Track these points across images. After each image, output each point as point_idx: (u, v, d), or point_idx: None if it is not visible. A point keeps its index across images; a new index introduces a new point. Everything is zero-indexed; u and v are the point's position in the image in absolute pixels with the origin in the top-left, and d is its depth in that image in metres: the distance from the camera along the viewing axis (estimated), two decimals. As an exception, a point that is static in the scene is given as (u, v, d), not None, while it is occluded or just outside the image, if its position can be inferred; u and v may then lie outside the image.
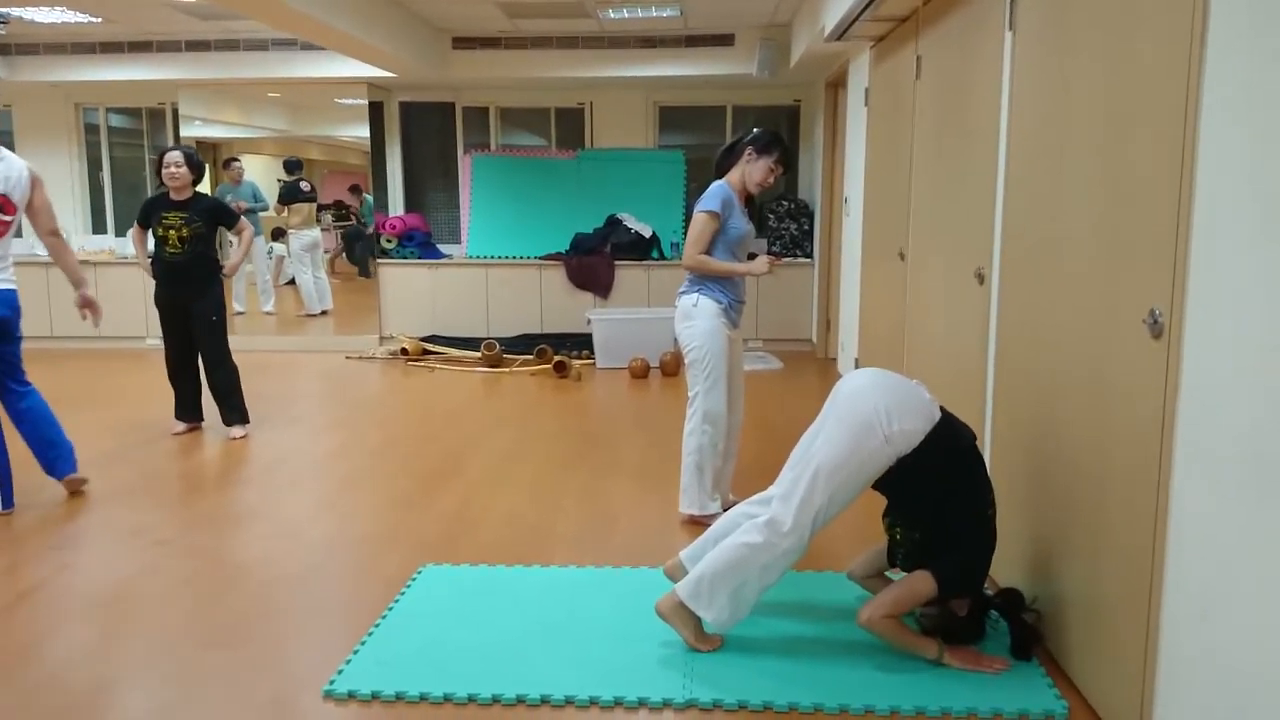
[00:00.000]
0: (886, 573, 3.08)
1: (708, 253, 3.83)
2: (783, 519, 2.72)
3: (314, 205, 9.09)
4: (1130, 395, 2.30)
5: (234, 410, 5.49)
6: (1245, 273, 1.85)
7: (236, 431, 5.46)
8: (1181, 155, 2.07)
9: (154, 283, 5.42)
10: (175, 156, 5.26)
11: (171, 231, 5.26)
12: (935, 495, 2.72)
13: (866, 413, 2.66)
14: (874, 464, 2.68)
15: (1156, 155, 2.19)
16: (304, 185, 9.01)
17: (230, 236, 5.64)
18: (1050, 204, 2.83)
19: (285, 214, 9.03)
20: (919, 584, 2.70)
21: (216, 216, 5.42)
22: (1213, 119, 1.98)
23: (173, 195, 5.28)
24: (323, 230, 9.26)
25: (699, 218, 3.81)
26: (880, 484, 2.78)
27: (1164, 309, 2.14)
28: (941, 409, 2.76)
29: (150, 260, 5.43)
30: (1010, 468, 3.17)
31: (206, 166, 5.54)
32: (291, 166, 9.05)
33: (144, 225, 5.45)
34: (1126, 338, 2.32)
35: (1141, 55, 2.29)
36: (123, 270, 8.69)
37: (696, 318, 3.85)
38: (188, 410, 5.56)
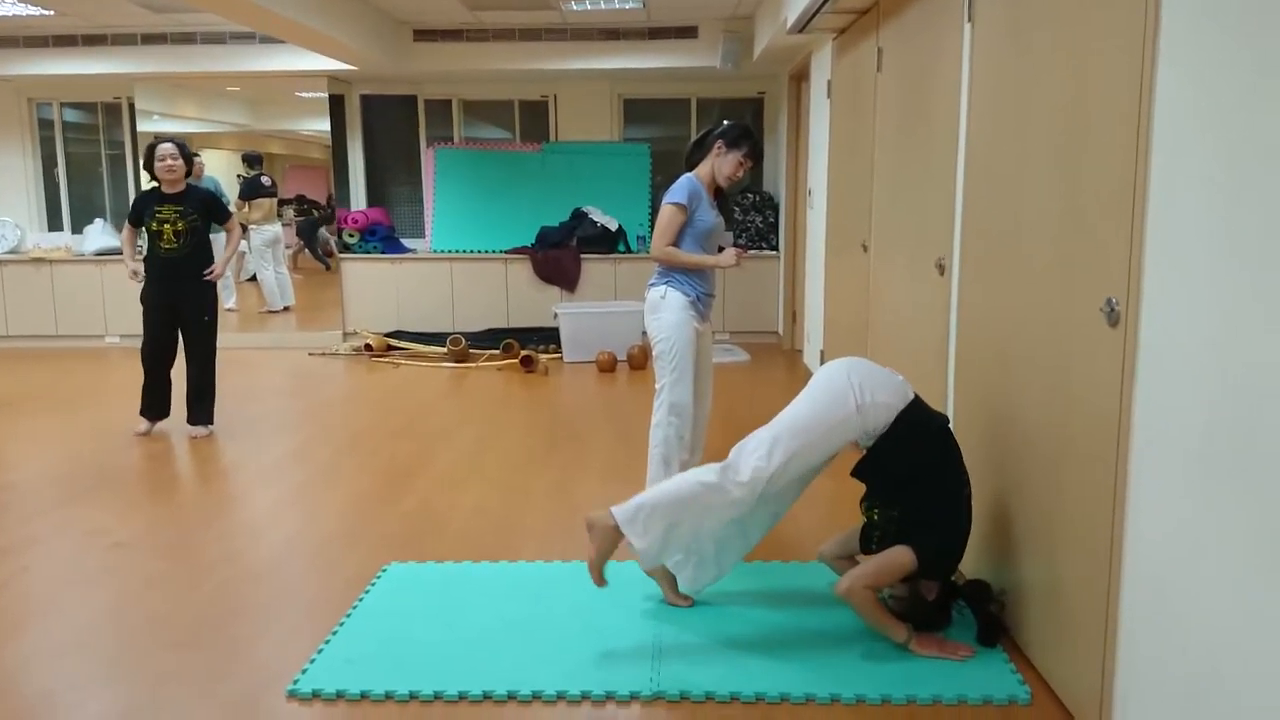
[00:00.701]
0: (857, 557, 3.09)
1: (676, 245, 3.83)
2: (740, 467, 2.77)
3: (275, 200, 8.99)
4: (1088, 383, 2.33)
5: (204, 411, 5.37)
6: (1200, 262, 1.88)
7: (200, 431, 5.34)
8: (1136, 145, 2.10)
9: (141, 280, 5.25)
10: (169, 149, 5.11)
11: (166, 226, 5.10)
12: (911, 474, 2.77)
13: (840, 384, 2.74)
14: (842, 431, 2.73)
15: (1112, 145, 2.21)
16: (265, 180, 8.90)
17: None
18: (1009, 195, 2.86)
19: (246, 209, 8.91)
20: (899, 556, 2.72)
21: (210, 209, 5.28)
22: (1167, 109, 2.01)
23: (165, 189, 5.14)
24: (284, 225, 9.15)
25: (666, 209, 3.82)
26: (858, 469, 2.81)
27: (1120, 298, 2.16)
28: (915, 394, 2.81)
29: (143, 259, 5.25)
30: (972, 455, 3.19)
31: (194, 160, 5.39)
32: (252, 161, 8.93)
33: (136, 224, 5.27)
34: (1084, 327, 2.34)
35: (1097, 47, 2.31)
36: (79, 267, 8.54)
37: (664, 310, 3.85)
38: (154, 407, 5.38)
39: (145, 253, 5.26)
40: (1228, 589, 1.79)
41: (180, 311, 5.24)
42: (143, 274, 5.26)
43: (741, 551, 3.05)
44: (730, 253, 3.85)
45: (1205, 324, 1.86)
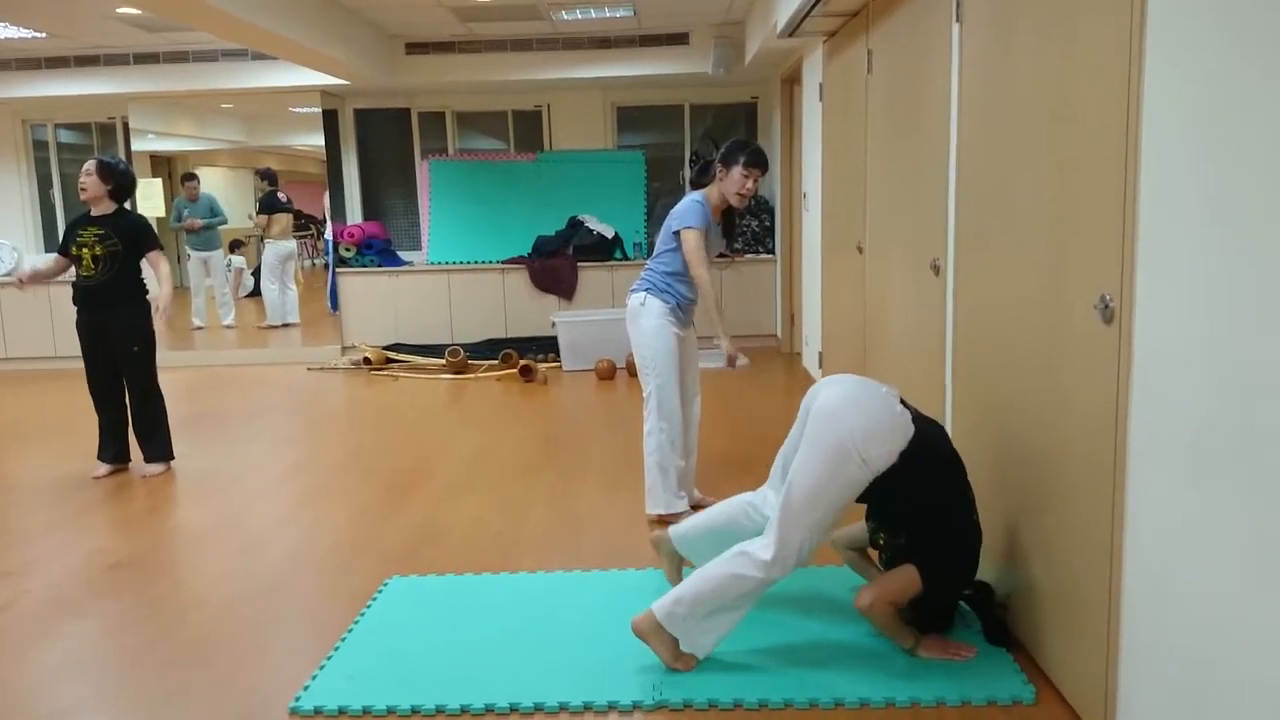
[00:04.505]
0: (869, 550, 3.07)
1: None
2: (764, 554, 2.65)
3: (291, 216, 9.05)
4: (1084, 381, 2.32)
5: (155, 446, 4.99)
6: (1192, 256, 1.87)
7: (153, 469, 4.95)
8: (1126, 140, 2.09)
9: (22, 286, 5.03)
10: (87, 165, 4.78)
11: (85, 250, 4.76)
12: (917, 504, 2.69)
13: (841, 437, 2.59)
14: (852, 487, 2.63)
15: (1102, 141, 2.21)
16: (281, 196, 8.99)
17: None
18: (1002, 193, 2.85)
19: (267, 223, 8.96)
20: (913, 580, 2.67)
21: (136, 238, 4.85)
22: (1155, 104, 2.00)
23: (92, 211, 4.83)
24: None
25: (689, 235, 3.82)
26: (861, 497, 2.74)
27: (1114, 294, 2.16)
28: (915, 418, 2.70)
29: (71, 283, 4.91)
30: (971, 455, 3.19)
31: (134, 179, 5.00)
32: (269, 178, 9.00)
33: (64, 252, 4.91)
34: (1079, 324, 2.34)
35: (1084, 44, 2.31)
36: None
37: (643, 317, 3.89)
38: (112, 449, 5.01)
39: (73, 279, 4.91)
40: (1227, 584, 1.78)
41: (109, 341, 4.86)
42: (26, 278, 4.99)
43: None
44: (728, 345, 4.00)
45: (1200, 319, 1.85)
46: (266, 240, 8.97)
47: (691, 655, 2.76)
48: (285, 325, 9.15)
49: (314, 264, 9.11)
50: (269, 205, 8.94)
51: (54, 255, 5.06)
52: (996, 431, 2.94)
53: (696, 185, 3.95)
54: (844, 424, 2.60)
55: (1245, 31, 1.69)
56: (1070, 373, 2.41)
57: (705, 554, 2.89)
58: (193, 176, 8.93)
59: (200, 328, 9.17)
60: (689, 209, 3.83)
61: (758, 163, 3.80)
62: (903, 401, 2.74)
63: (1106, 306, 2.18)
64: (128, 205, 5.02)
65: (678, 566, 3.21)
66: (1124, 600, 2.18)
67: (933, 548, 2.70)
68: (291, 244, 9.07)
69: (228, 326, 9.24)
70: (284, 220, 9.01)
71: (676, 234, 3.85)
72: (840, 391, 2.70)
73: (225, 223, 9.07)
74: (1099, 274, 2.23)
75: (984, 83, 3.01)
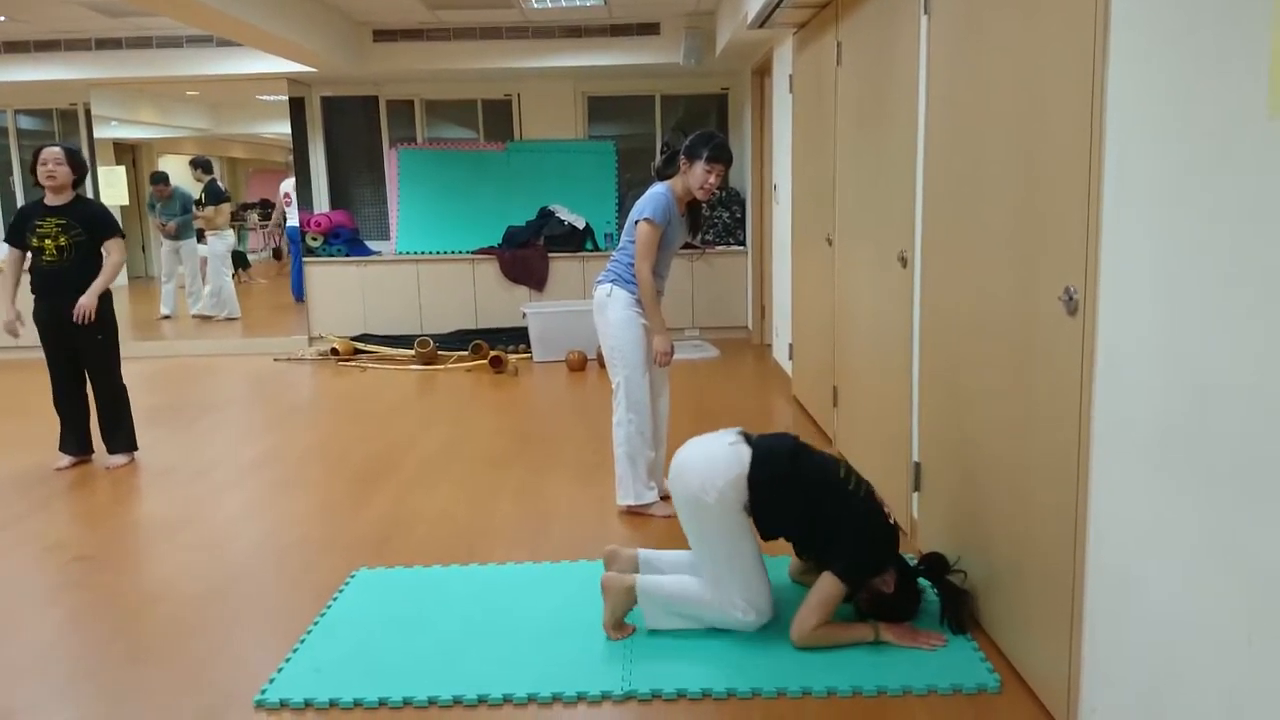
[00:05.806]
0: None
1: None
2: (745, 616, 2.84)
3: (230, 205, 8.97)
4: (1049, 371, 2.35)
5: (119, 438, 4.92)
6: (1153, 250, 1.89)
7: (117, 460, 4.89)
8: (1090, 133, 2.11)
9: (18, 334, 4.80)
10: (54, 152, 4.68)
11: (48, 241, 4.67)
12: (793, 515, 2.82)
13: (690, 491, 2.80)
14: (728, 523, 2.78)
15: (1067, 134, 2.23)
16: (220, 185, 8.86)
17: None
18: (969, 186, 2.87)
19: (214, 214, 8.84)
20: (829, 586, 2.75)
21: (97, 226, 4.77)
22: (1119, 99, 2.02)
23: (49, 199, 4.71)
24: (249, 230, 9.10)
25: (643, 229, 3.79)
26: (768, 534, 2.87)
27: (1078, 286, 2.18)
28: (750, 443, 2.84)
29: (29, 269, 4.79)
30: (937, 445, 3.22)
31: (88, 169, 4.91)
32: (206, 166, 8.85)
33: (17, 243, 4.77)
34: (1043, 315, 2.36)
35: (1050, 39, 2.32)
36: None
37: (610, 309, 3.87)
38: (74, 441, 4.93)
39: (30, 266, 4.79)
40: (1188, 574, 1.80)
41: (70, 331, 4.73)
42: (19, 320, 4.81)
43: None
44: (661, 341, 3.87)
45: (1161, 311, 1.87)
46: (210, 232, 8.85)
47: (630, 626, 2.91)
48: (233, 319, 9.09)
49: (280, 250, 9.00)
50: (215, 195, 8.83)
51: (8, 252, 4.86)
52: (962, 421, 2.97)
53: (662, 176, 3.93)
54: (687, 480, 2.82)
55: (1208, 29, 1.71)
56: (1035, 364, 2.43)
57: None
58: (162, 178, 8.78)
59: (167, 316, 9.06)
60: (652, 200, 3.82)
61: (720, 158, 3.77)
62: (743, 434, 2.89)
63: (1071, 299, 2.20)
64: (87, 193, 4.93)
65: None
66: (1087, 589, 2.21)
67: (830, 540, 2.78)
68: (232, 235, 8.99)
69: (194, 316, 9.12)
70: (226, 210, 8.93)
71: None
72: (680, 459, 2.90)
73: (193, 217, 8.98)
74: (1063, 266, 2.25)
75: (951, 75, 3.03)
